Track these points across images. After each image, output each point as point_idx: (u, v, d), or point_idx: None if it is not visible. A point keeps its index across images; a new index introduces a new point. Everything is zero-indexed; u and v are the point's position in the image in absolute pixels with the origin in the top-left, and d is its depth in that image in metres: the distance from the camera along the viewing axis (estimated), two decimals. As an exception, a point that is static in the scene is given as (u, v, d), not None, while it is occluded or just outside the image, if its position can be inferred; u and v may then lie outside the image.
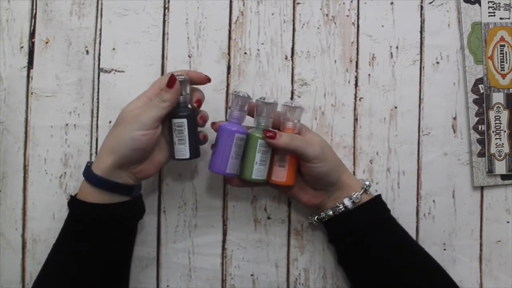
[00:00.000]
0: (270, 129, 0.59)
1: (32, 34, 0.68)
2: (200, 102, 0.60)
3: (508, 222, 0.69)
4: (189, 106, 0.60)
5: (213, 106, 0.67)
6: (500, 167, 0.68)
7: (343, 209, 0.60)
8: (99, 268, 0.57)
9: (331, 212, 0.61)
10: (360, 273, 0.61)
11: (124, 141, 0.56)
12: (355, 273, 0.62)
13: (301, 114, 0.60)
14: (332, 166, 0.60)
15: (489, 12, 0.69)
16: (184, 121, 0.58)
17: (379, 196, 0.63)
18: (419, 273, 0.59)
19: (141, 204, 0.63)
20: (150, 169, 0.59)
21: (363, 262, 0.60)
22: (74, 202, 0.58)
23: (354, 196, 0.60)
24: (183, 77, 0.58)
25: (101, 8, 0.68)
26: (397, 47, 0.69)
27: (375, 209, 0.62)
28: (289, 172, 0.60)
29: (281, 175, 0.60)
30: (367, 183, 0.62)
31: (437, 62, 0.69)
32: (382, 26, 0.69)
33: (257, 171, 0.59)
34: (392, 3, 0.69)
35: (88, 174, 0.57)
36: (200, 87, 0.62)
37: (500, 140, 0.68)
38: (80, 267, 0.57)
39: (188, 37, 0.68)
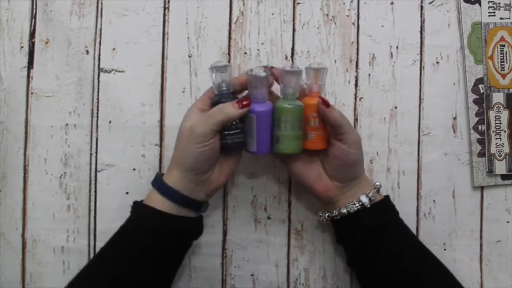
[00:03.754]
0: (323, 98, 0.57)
1: (32, 34, 0.68)
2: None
3: (508, 222, 0.69)
4: (231, 93, 0.58)
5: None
6: (500, 167, 0.68)
7: (358, 206, 0.59)
8: (150, 276, 0.57)
9: (345, 210, 0.59)
10: (372, 274, 0.60)
11: (188, 156, 0.56)
12: (366, 274, 0.61)
13: (325, 75, 0.59)
14: (362, 159, 0.60)
15: (489, 12, 0.69)
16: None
17: (388, 197, 0.62)
18: (432, 275, 0.59)
19: (202, 224, 0.62)
20: (220, 178, 0.59)
21: (375, 261, 0.59)
22: (143, 208, 0.58)
23: (371, 194, 0.59)
24: (223, 63, 0.57)
25: (101, 8, 0.68)
26: (397, 47, 0.69)
27: (387, 209, 0.61)
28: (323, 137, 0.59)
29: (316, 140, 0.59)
30: (378, 183, 0.61)
31: (437, 62, 0.69)
32: (382, 26, 0.69)
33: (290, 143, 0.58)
34: (392, 3, 0.69)
35: (161, 185, 0.57)
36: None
37: (500, 140, 0.68)
38: (133, 270, 0.57)
39: (188, 37, 0.68)
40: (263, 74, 0.56)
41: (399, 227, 0.61)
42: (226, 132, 0.57)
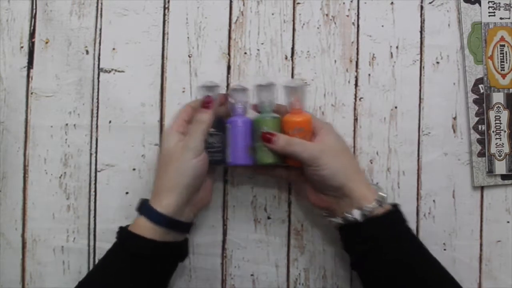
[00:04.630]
0: (270, 131, 0.59)
1: (32, 34, 0.68)
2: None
3: (508, 222, 0.69)
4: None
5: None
6: (500, 167, 0.68)
7: (352, 220, 0.58)
8: None
9: (341, 221, 0.59)
10: (373, 282, 0.59)
11: (185, 173, 0.57)
12: (368, 281, 0.60)
13: (304, 92, 0.62)
14: (335, 171, 0.58)
15: (489, 12, 0.69)
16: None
17: (395, 207, 0.59)
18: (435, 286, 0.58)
19: (187, 246, 0.62)
20: (207, 195, 0.62)
21: (376, 271, 0.58)
22: (131, 236, 0.57)
23: (365, 209, 0.57)
24: (213, 83, 0.62)
25: (101, 8, 0.68)
26: (397, 47, 0.69)
27: (389, 221, 0.58)
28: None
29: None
30: (382, 194, 0.59)
31: (437, 62, 0.69)
32: (382, 26, 0.69)
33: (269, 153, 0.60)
34: (392, 3, 0.69)
35: (151, 211, 0.57)
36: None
37: (500, 140, 0.68)
38: None
39: (188, 37, 0.68)
40: (245, 87, 0.62)
41: (403, 237, 0.59)
42: (207, 150, 0.59)
